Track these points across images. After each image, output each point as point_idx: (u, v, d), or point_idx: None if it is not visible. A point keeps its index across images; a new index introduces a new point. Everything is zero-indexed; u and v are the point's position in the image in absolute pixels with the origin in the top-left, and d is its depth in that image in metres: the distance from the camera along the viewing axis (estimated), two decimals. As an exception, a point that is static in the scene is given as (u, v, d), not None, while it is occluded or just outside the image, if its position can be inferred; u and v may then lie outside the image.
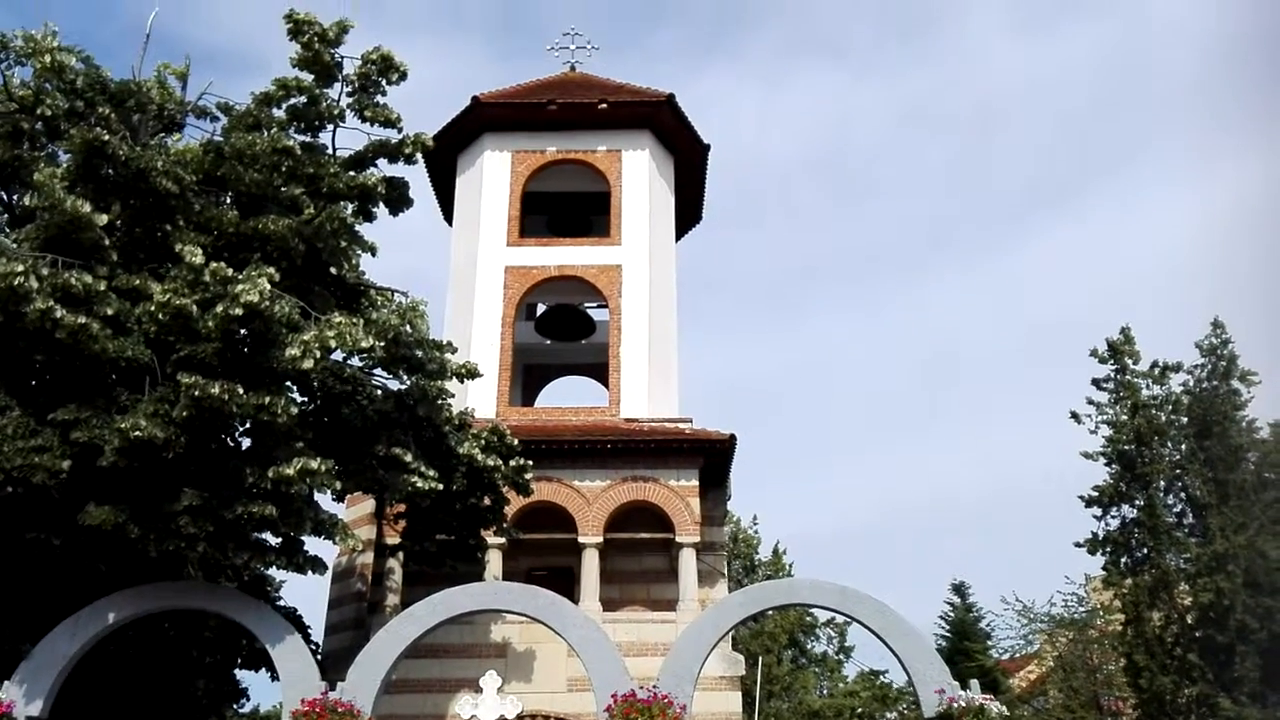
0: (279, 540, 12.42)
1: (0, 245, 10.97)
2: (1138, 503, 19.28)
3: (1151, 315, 65.19)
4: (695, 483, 18.12)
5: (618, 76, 24.25)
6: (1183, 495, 19.34)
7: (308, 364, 10.79)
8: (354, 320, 11.49)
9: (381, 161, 13.23)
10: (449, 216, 23.55)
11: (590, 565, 17.49)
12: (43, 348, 10.63)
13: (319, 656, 15.97)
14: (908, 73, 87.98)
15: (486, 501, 14.75)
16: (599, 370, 22.12)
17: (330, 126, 12.98)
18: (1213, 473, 18.47)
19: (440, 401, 13.48)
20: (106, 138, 10.97)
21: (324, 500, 12.70)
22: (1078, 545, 19.96)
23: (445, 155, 22.34)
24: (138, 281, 10.97)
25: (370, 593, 17.93)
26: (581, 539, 17.66)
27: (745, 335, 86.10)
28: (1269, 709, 16.91)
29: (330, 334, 11.00)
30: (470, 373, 14.21)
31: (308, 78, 12.68)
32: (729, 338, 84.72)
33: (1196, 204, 73.62)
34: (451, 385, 14.04)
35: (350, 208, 12.70)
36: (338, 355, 12.01)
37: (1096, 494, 19.72)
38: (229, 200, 12.26)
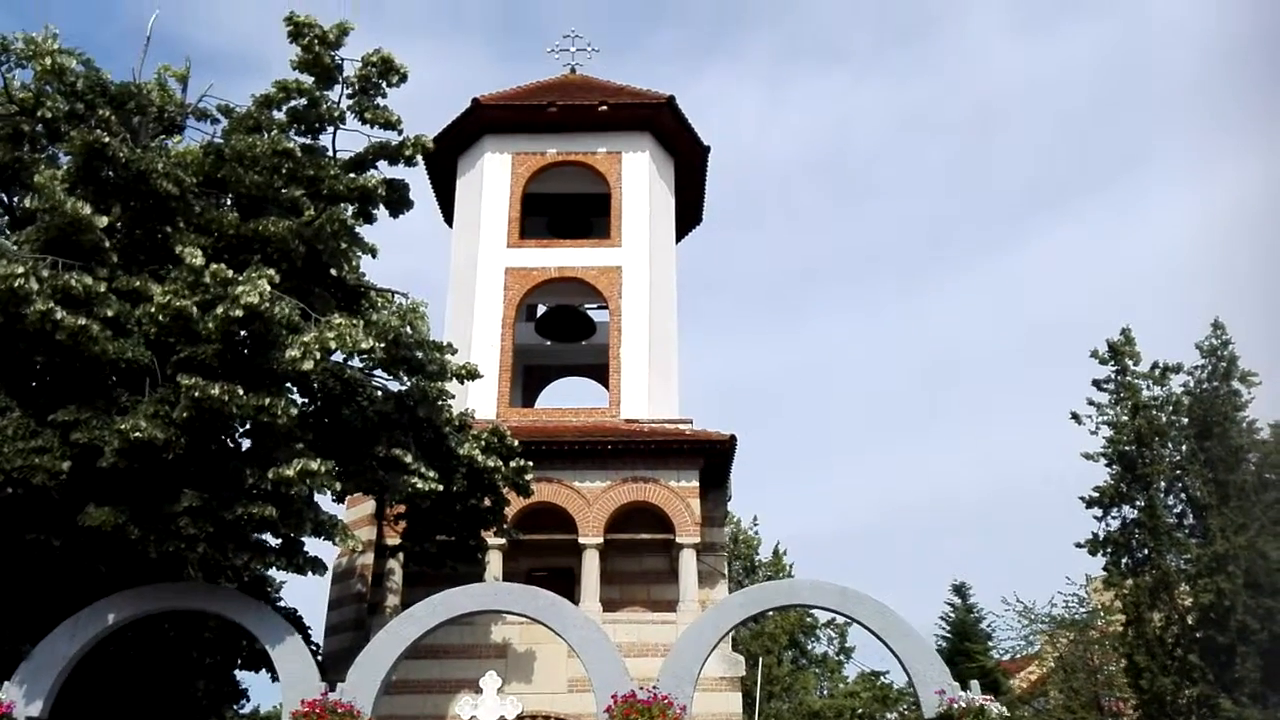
0: (279, 541, 12.44)
1: (1, 247, 10.99)
2: (1138, 503, 19.28)
3: (1152, 316, 65.25)
4: (695, 484, 18.13)
5: (618, 78, 24.35)
6: (1183, 496, 19.34)
7: (308, 365, 10.80)
8: (354, 322, 11.50)
9: (382, 163, 13.25)
10: (449, 218, 23.58)
11: (590, 566, 17.50)
12: (43, 349, 10.64)
13: (319, 657, 15.98)
14: (907, 73, 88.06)
15: (487, 502, 14.76)
16: (599, 371, 22.14)
17: (330, 128, 12.99)
18: (1213, 473, 18.47)
19: (440, 403, 13.49)
20: (107, 140, 10.98)
21: (324, 501, 12.73)
22: (1078, 546, 19.99)
23: (445, 157, 22.38)
24: (138, 283, 10.98)
25: (370, 593, 17.94)
26: (582, 540, 17.67)
27: (745, 336, 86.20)
28: (1270, 710, 16.90)
29: (330, 335, 11.01)
30: (470, 374, 14.22)
31: (308, 80, 12.69)
32: (729, 339, 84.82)
33: (1197, 204, 73.68)
34: (452, 386, 14.05)
35: (350, 209, 12.71)
36: (338, 356, 12.03)
37: (1097, 495, 19.72)
38: (229, 202, 12.28)
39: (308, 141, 12.88)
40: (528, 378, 24.00)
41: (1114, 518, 19.74)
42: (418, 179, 31.46)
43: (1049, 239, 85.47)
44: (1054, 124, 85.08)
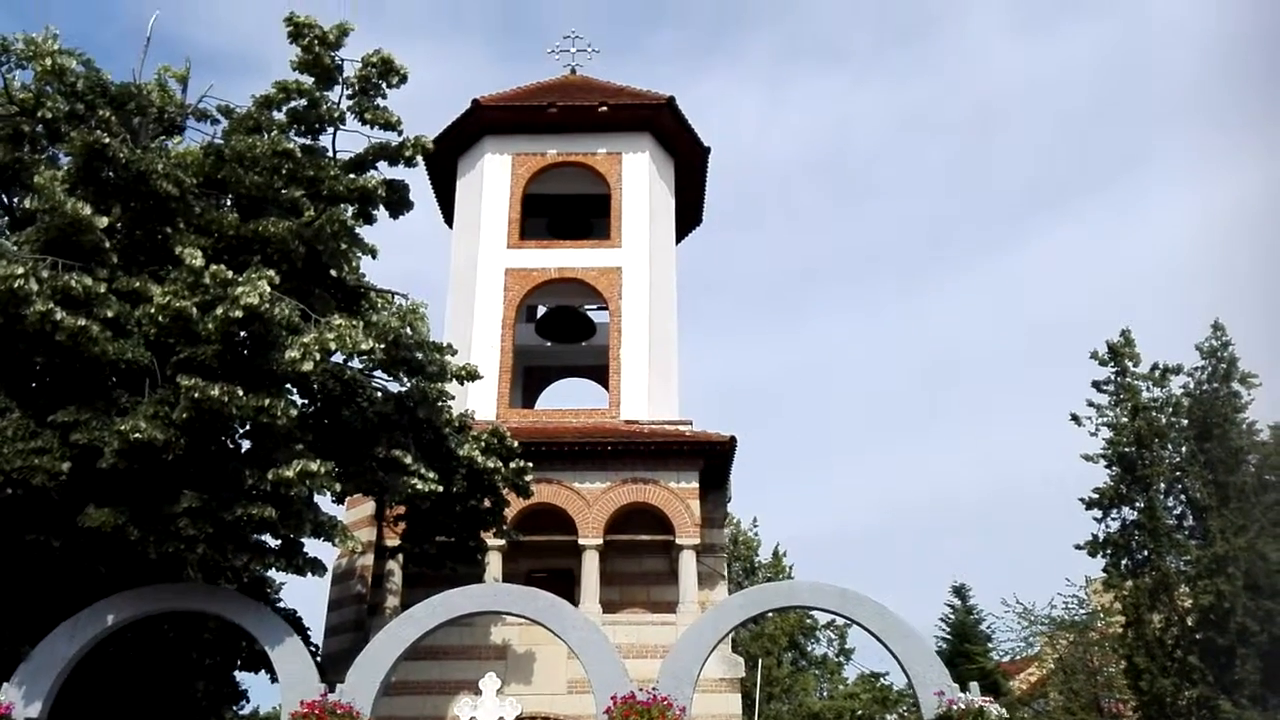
0: (279, 542, 12.43)
1: (1, 248, 10.99)
2: (1138, 505, 19.29)
3: (1151, 316, 65.27)
4: (695, 485, 18.13)
5: (618, 79, 24.37)
6: (1183, 497, 19.35)
7: (308, 366, 10.80)
8: (354, 322, 11.50)
9: (382, 164, 13.25)
10: (449, 219, 23.58)
11: (590, 567, 17.49)
12: (43, 350, 10.63)
13: (318, 658, 15.96)
14: (907, 73, 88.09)
15: (486, 503, 14.76)
16: (599, 372, 22.14)
17: (330, 129, 12.99)
18: (1213, 475, 18.48)
19: (440, 403, 13.49)
20: (107, 140, 10.98)
21: (324, 502, 12.72)
22: (1078, 547, 19.99)
23: (445, 158, 22.39)
24: (138, 284, 10.97)
25: (370, 595, 17.94)
26: (581, 541, 17.67)
27: (745, 337, 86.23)
28: (1269, 711, 16.90)
29: (330, 336, 11.01)
30: (470, 375, 14.22)
31: (308, 80, 12.70)
32: (729, 339, 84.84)
33: (1197, 205, 73.68)
34: (451, 387, 14.05)
35: (350, 210, 12.71)
36: (338, 357, 12.02)
37: (1097, 496, 19.73)
38: (229, 203, 12.27)
39: (308, 142, 12.88)
40: (528, 379, 24.00)
41: (1114, 519, 19.77)
42: (418, 180, 31.44)
43: (1049, 239, 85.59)
44: (1054, 124, 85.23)
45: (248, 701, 19.43)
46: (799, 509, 69.67)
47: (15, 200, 12.86)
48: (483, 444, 14.29)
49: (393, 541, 16.74)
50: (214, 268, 10.59)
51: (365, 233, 13.11)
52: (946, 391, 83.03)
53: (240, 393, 10.36)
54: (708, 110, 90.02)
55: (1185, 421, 19.27)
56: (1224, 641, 17.21)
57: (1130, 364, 19.98)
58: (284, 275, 11.43)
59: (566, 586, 17.17)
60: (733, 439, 18.31)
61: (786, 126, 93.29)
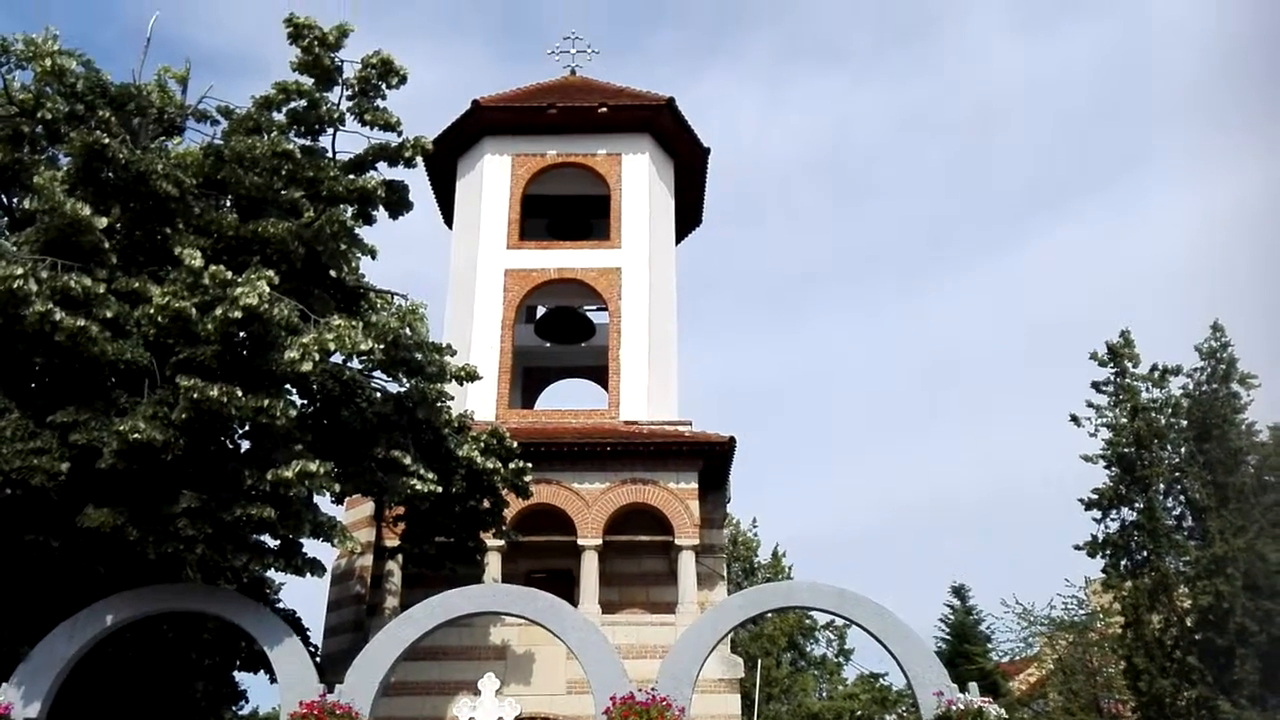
0: (278, 542, 12.43)
1: (0, 248, 10.99)
2: (1137, 505, 19.31)
3: (1151, 317, 65.27)
4: (695, 485, 18.14)
5: (618, 80, 24.37)
6: (1182, 498, 19.37)
7: (307, 367, 10.80)
8: (353, 323, 11.51)
9: (381, 165, 13.27)
10: (449, 220, 23.59)
11: (589, 568, 17.50)
12: (42, 350, 10.64)
13: (318, 659, 15.97)
14: (907, 73, 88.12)
15: (486, 504, 14.76)
16: (599, 373, 22.14)
17: (330, 130, 13.01)
18: (1212, 476, 18.50)
19: (440, 404, 13.49)
20: (106, 141, 10.99)
21: (323, 503, 12.72)
22: (1077, 548, 20.01)
23: (445, 159, 22.40)
24: (137, 284, 10.98)
25: (369, 595, 17.93)
26: (581, 541, 17.67)
27: (745, 337, 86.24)
28: (1269, 712, 16.90)
29: (329, 337, 11.02)
30: (470, 375, 14.23)
31: (308, 81, 12.71)
32: (729, 340, 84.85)
33: (1197, 205, 73.72)
34: (451, 388, 14.05)
35: (350, 211, 12.72)
36: (337, 358, 12.02)
37: (1096, 497, 19.74)
38: (229, 203, 12.28)
39: (307, 143, 12.90)
40: (527, 379, 24.01)
41: (1113, 520, 19.79)
42: (417, 181, 31.45)
43: (1049, 239, 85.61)
44: (1054, 124, 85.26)
45: (247, 702, 19.46)
46: (799, 509, 69.72)
47: (15, 201, 12.86)
48: (482, 444, 14.29)
49: (392, 542, 16.74)
50: (213, 268, 10.60)
51: (365, 233, 13.15)
52: (946, 391, 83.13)
53: (239, 393, 10.37)
54: (708, 110, 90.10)
55: (1184, 422, 19.28)
56: (1223, 642, 17.22)
57: (1130, 365, 20.00)
58: (283, 276, 11.43)
59: (566, 587, 17.17)
60: (732, 439, 18.31)
61: (786, 126, 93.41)
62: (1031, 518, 68.30)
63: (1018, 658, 29.01)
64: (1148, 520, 18.85)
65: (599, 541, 17.67)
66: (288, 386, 11.71)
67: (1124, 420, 19.60)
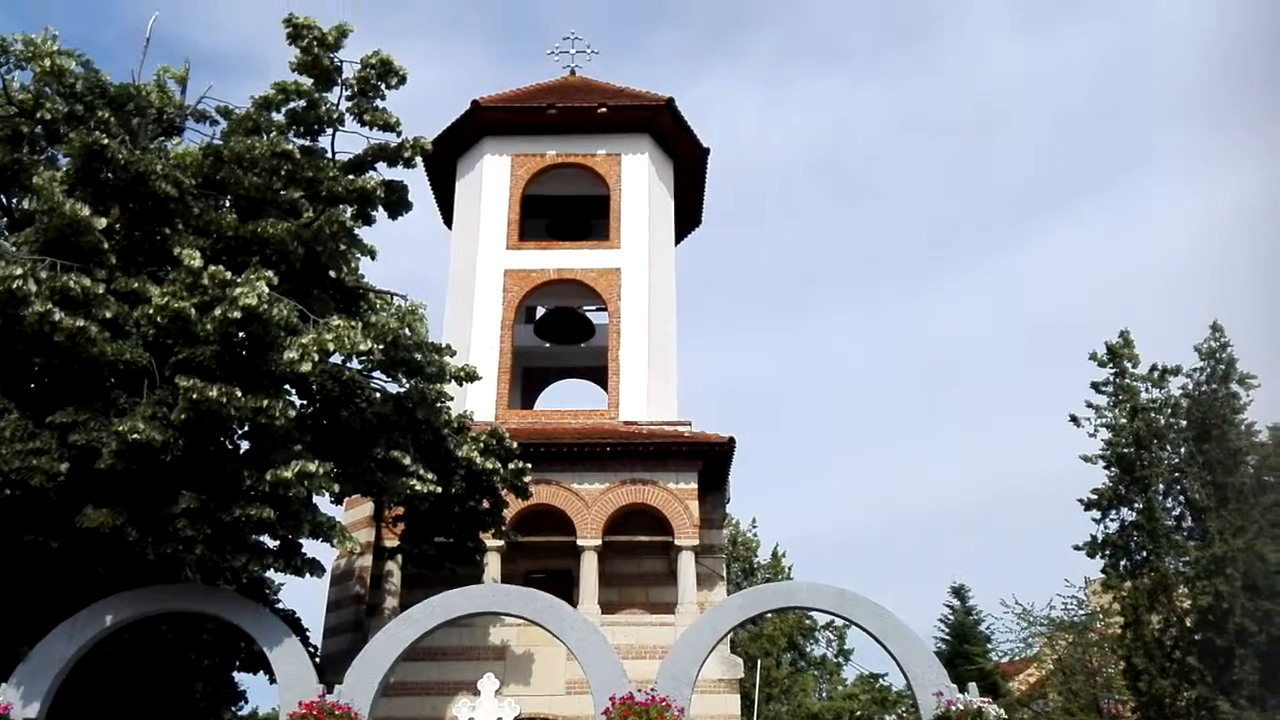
0: (277, 543, 12.43)
1: (0, 248, 11.00)
2: (1137, 506, 19.31)
3: (1151, 317, 65.24)
4: (694, 485, 18.14)
5: (617, 80, 24.35)
6: (1182, 498, 19.37)
7: (306, 367, 10.81)
8: (353, 323, 11.51)
9: (381, 165, 13.28)
10: (449, 220, 23.59)
11: (589, 568, 17.50)
12: (41, 350, 10.65)
13: (317, 659, 15.97)
14: (907, 73, 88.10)
15: (485, 504, 14.76)
16: (598, 373, 22.15)
17: (329, 130, 13.02)
18: (1211, 476, 18.50)
19: (439, 404, 13.50)
20: (106, 141, 10.99)
21: (322, 503, 12.72)
22: (1077, 548, 20.02)
23: (445, 159, 22.40)
24: (136, 285, 10.99)
25: (369, 595, 17.94)
26: (580, 542, 17.67)
27: (745, 337, 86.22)
28: (1268, 712, 16.91)
29: (329, 337, 11.02)
30: (469, 376, 14.23)
31: (307, 82, 12.71)
32: (729, 340, 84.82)
33: (1196, 206, 73.71)
34: (450, 388, 14.05)
35: (349, 211, 12.73)
36: (336, 358, 12.02)
37: (1096, 497, 19.75)
38: (228, 204, 12.29)
39: (306, 143, 12.90)
40: (527, 380, 24.01)
41: (1112, 520, 19.80)
42: (417, 181, 31.47)
43: (1049, 239, 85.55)
44: (1054, 124, 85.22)
45: (246, 702, 19.48)
46: (798, 510, 69.69)
47: (14, 201, 12.87)
48: (481, 445, 14.29)
49: (391, 542, 16.74)
50: (212, 269, 10.60)
51: (364, 234, 13.16)
52: (946, 392, 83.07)
53: (239, 393, 10.37)
54: (707, 110, 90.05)
55: (1184, 422, 19.29)
56: (1222, 642, 17.22)
57: (1129, 365, 20.00)
58: (283, 276, 11.43)
59: (565, 587, 17.18)
60: (731, 440, 18.32)
61: (786, 126, 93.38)
62: (1031, 518, 68.38)
63: (1017, 658, 29.00)
64: (1147, 520, 18.85)
65: (598, 542, 17.68)
66: (287, 387, 11.72)
67: (1123, 420, 19.61)
